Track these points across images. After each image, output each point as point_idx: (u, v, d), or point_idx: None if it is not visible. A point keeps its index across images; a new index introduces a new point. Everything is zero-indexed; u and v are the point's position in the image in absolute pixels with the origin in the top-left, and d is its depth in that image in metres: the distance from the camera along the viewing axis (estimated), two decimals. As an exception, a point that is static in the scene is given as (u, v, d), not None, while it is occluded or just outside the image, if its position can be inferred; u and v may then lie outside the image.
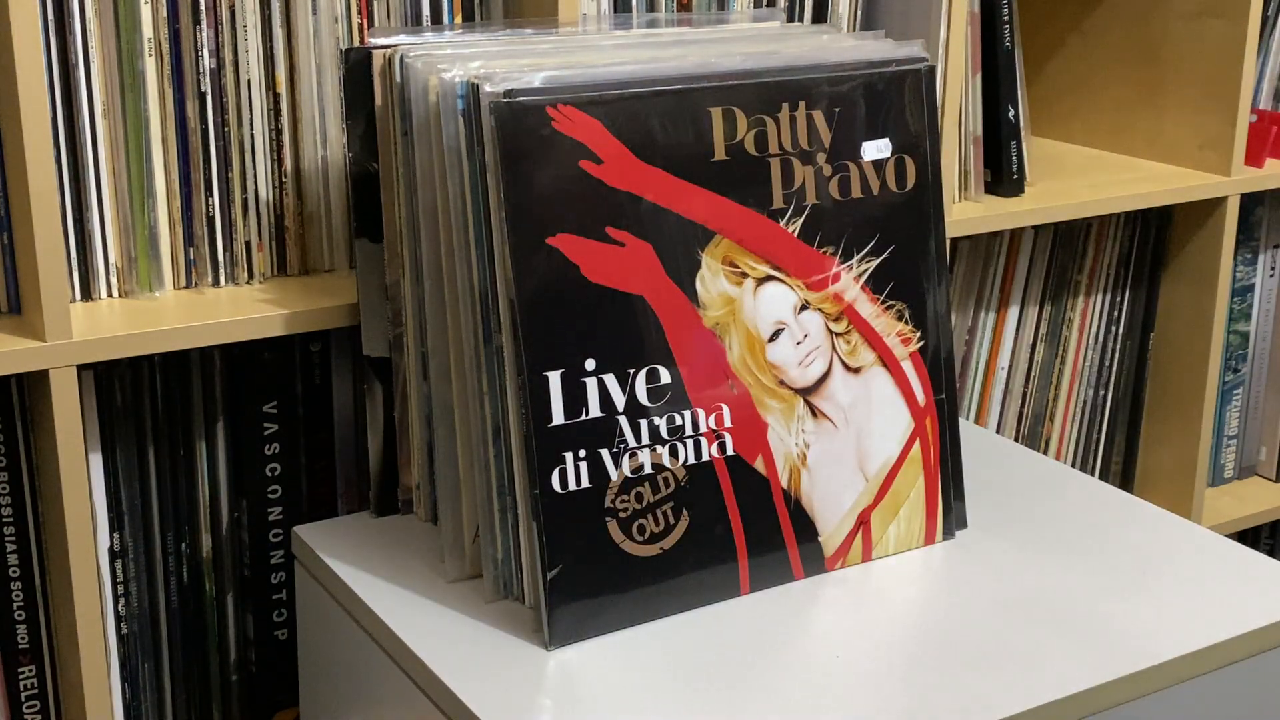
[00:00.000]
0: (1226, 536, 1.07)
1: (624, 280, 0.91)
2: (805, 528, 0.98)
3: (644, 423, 0.92)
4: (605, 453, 0.91)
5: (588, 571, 0.90)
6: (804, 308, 0.97)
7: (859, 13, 1.28)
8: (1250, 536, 1.77)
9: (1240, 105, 1.48)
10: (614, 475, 0.91)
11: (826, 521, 0.99)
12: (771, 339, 0.96)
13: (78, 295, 1.03)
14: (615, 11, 1.17)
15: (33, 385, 1.01)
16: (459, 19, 1.12)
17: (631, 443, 0.91)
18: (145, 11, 1.00)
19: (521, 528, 0.92)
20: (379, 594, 0.97)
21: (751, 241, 0.95)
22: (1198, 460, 1.59)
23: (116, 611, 1.08)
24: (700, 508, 0.94)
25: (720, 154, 0.94)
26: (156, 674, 1.11)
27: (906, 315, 1.02)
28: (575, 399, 0.89)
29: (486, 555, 0.96)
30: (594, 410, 0.90)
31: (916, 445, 1.02)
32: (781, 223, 0.96)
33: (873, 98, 1.00)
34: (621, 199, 0.91)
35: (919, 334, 1.02)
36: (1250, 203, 1.60)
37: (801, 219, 0.97)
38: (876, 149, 1.00)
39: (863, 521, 1.00)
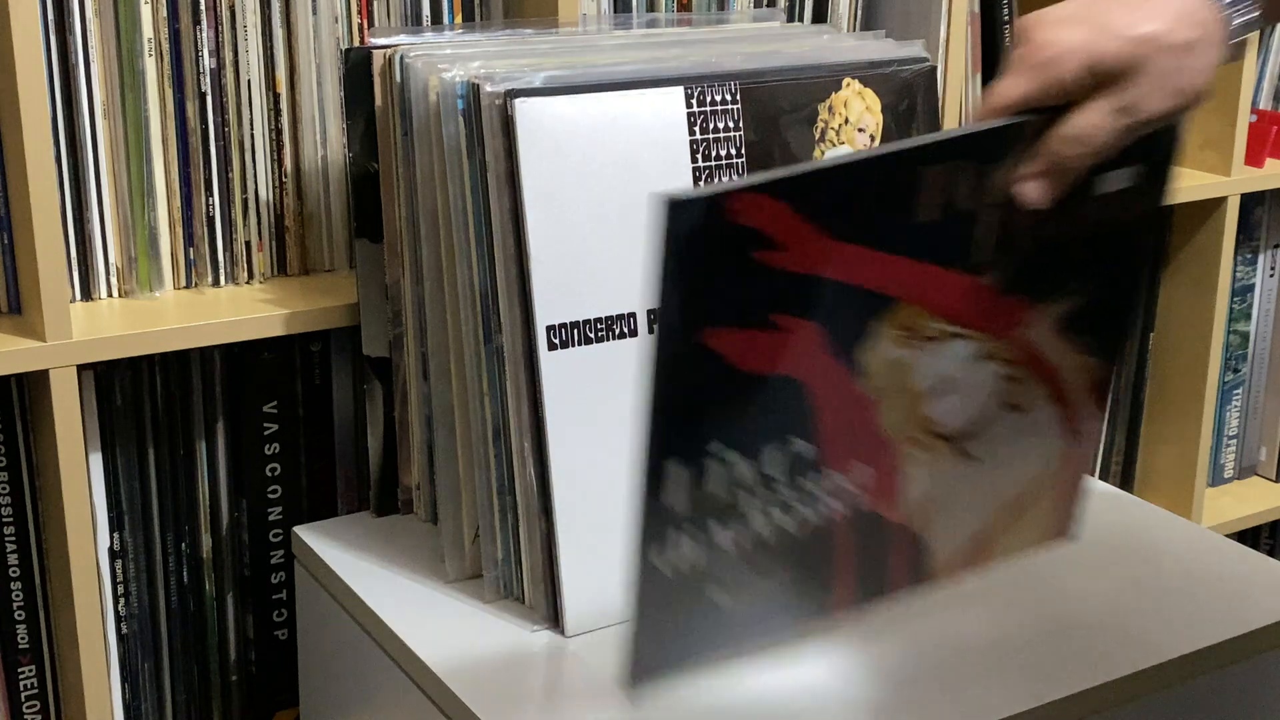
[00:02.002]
0: (1226, 536, 1.07)
1: (776, 365, 0.76)
2: (914, 561, 0.86)
3: (769, 491, 0.78)
4: (718, 527, 0.77)
5: (675, 624, 0.78)
6: (979, 358, 0.83)
7: (859, 13, 1.28)
8: (1250, 536, 1.77)
9: (1240, 105, 1.48)
10: (729, 546, 0.78)
11: (934, 556, 0.87)
12: (933, 393, 0.82)
13: (78, 295, 1.03)
14: (615, 11, 1.17)
15: (33, 385, 1.01)
16: (459, 19, 1.12)
17: (751, 511, 0.78)
18: (145, 11, 1.00)
19: (523, 528, 0.92)
20: (379, 594, 0.97)
21: (937, 303, 0.80)
22: (1198, 460, 1.59)
23: (116, 611, 1.08)
24: (809, 563, 0.82)
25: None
26: (156, 674, 1.11)
27: (1092, 350, 0.87)
28: (696, 481, 0.75)
29: (486, 555, 0.96)
30: (714, 487, 0.76)
31: None
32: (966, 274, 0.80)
33: (873, 98, 0.98)
34: (793, 282, 0.74)
35: (1102, 365, 0.87)
36: (1250, 203, 1.60)
37: None
38: None
39: None
